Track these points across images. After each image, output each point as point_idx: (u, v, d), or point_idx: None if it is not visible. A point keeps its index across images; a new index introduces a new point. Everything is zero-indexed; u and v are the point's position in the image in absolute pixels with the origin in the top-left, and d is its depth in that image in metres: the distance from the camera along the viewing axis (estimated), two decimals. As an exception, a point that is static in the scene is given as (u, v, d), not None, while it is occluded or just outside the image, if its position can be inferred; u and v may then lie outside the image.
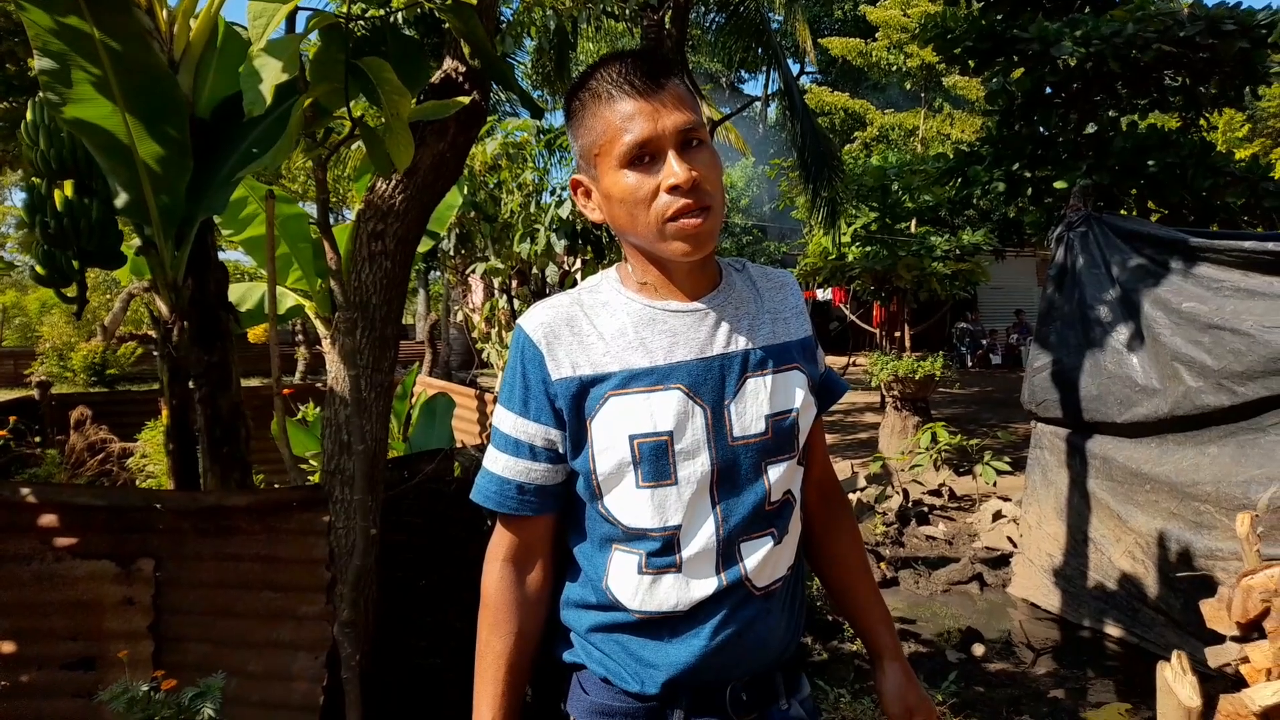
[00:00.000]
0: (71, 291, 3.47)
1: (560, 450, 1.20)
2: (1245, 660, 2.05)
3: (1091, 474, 4.02)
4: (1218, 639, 2.20)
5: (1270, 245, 3.36)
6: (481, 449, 4.26)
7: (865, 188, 12.18)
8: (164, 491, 2.93)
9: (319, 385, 6.21)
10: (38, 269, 3.33)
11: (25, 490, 2.59)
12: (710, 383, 1.18)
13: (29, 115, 3.24)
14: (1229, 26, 6.47)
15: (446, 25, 2.41)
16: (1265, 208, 7.49)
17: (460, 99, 2.03)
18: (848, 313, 17.69)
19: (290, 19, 2.07)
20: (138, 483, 4.50)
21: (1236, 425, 3.36)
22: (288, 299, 5.49)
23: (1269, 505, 2.96)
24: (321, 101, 2.16)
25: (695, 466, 1.16)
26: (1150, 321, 3.71)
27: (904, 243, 12.03)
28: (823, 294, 18.16)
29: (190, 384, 3.38)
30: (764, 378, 1.21)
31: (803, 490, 1.31)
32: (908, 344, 13.21)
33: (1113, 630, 3.89)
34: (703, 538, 1.17)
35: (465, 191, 8.73)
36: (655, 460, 1.15)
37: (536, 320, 1.20)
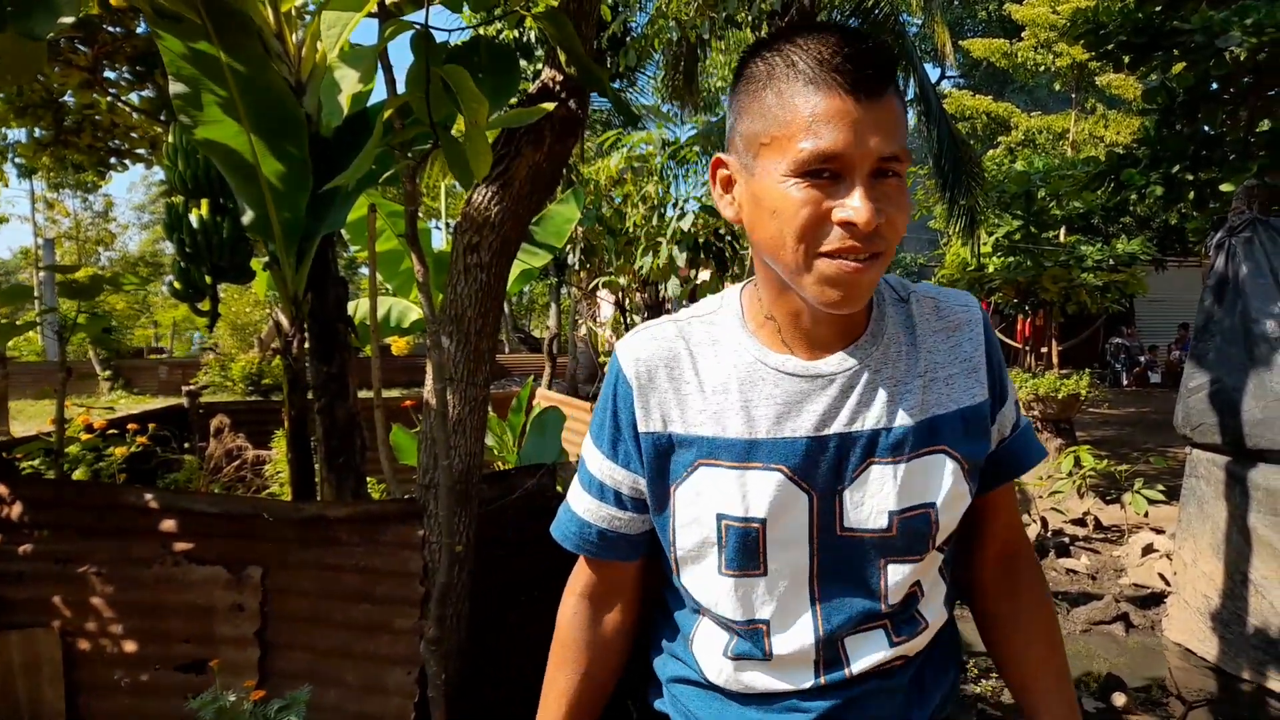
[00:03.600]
0: (205, 305, 3.67)
1: (648, 501, 1.05)
2: None
3: (1254, 508, 3.59)
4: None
5: None
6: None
7: (1008, 195, 11.57)
8: (270, 500, 3.03)
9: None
10: (175, 284, 3.53)
11: (149, 495, 2.72)
12: (823, 466, 0.96)
13: (169, 138, 3.44)
14: None
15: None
16: None
17: (545, 105, 1.99)
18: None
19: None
20: (270, 490, 4.72)
21: None
22: (412, 312, 5.67)
23: None
24: (415, 113, 2.18)
25: (791, 558, 0.98)
26: (1328, 338, 3.29)
27: (1050, 252, 11.34)
28: (962, 307, 17.34)
29: (309, 395, 3.50)
30: (894, 466, 0.96)
31: (978, 571, 1.13)
32: (1055, 361, 12.42)
33: (1275, 684, 3.46)
34: (797, 638, 1.01)
35: (589, 205, 8.82)
36: (743, 547, 0.97)
37: (634, 354, 1.02)
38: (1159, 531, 5.38)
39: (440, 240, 5.73)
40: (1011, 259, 11.30)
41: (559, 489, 3.41)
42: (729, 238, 8.21)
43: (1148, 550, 5.11)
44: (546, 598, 3.28)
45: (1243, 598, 3.64)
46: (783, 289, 0.96)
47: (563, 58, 2.42)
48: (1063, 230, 12.30)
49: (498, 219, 2.47)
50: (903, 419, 0.96)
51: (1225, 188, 6.60)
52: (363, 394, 3.72)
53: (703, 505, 0.98)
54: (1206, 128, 7.47)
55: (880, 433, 0.96)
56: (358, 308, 5.25)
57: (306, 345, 3.51)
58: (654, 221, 8.81)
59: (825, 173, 0.85)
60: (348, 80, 1.63)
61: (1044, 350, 13.08)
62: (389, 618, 2.59)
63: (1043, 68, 18.45)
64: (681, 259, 7.79)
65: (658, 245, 8.00)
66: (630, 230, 9.19)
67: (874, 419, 0.96)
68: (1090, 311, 12.40)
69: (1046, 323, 12.87)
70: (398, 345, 16.37)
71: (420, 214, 5.53)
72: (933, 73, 19.20)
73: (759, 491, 0.95)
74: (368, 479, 3.64)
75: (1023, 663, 1.10)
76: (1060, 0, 17.11)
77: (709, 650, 1.07)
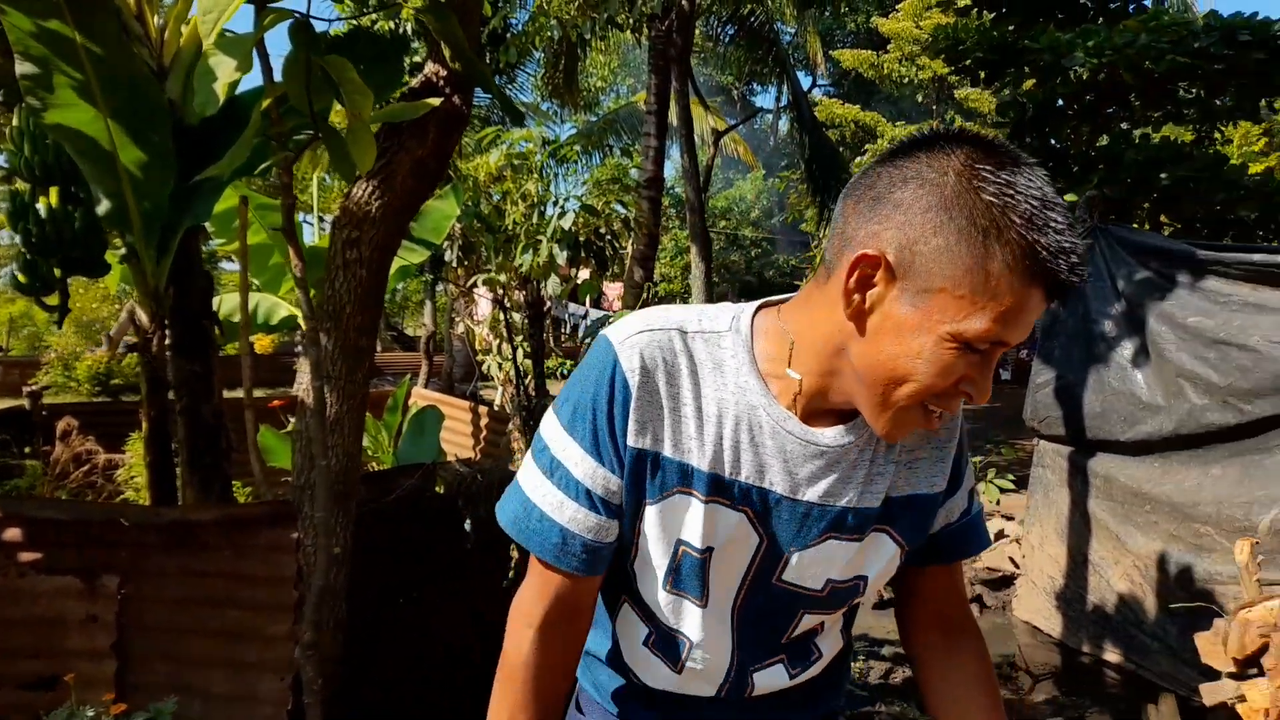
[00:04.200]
0: (53, 300, 3.43)
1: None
2: (1242, 699, 1.94)
3: (1093, 493, 3.91)
4: (1214, 674, 2.09)
5: None
6: (469, 464, 4.17)
7: (874, 201, 12.11)
8: (128, 506, 2.87)
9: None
10: (19, 277, 3.29)
11: (-10, 502, 2.53)
12: (788, 525, 0.96)
13: (15, 121, 3.20)
14: (1245, 38, 6.37)
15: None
16: (1280, 221, 7.37)
17: (430, 100, 1.97)
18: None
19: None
20: (124, 495, 4.45)
21: (1242, 444, 3.25)
22: (281, 309, 5.45)
23: (1270, 528, 2.85)
24: (292, 102, 2.11)
25: (724, 589, 1.00)
26: (1155, 336, 3.61)
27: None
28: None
29: (170, 395, 3.32)
30: (850, 544, 0.98)
31: (914, 639, 1.15)
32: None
33: (1111, 656, 3.77)
34: (714, 664, 1.05)
35: (468, 201, 8.69)
36: (692, 573, 0.99)
37: (636, 354, 0.93)
38: (1009, 518, 5.75)
39: (311, 235, 5.53)
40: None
41: (438, 489, 3.37)
42: (609, 237, 8.26)
43: (999, 535, 5.46)
44: (427, 601, 3.23)
45: (1083, 577, 3.95)
46: (832, 373, 0.91)
47: (446, 52, 2.39)
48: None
49: (379, 214, 2.42)
50: (870, 500, 0.97)
51: (1069, 198, 7.09)
52: (226, 394, 3.56)
53: (669, 530, 0.97)
54: (1054, 141, 8.02)
55: (849, 511, 0.96)
56: (221, 303, 5.01)
57: (168, 342, 3.33)
58: (534, 219, 8.76)
59: (974, 345, 0.82)
60: (224, 68, 1.56)
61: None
62: (260, 624, 2.49)
63: (907, 79, 19.36)
64: (562, 257, 7.79)
65: (538, 243, 7.97)
66: (510, 228, 9.11)
67: (848, 498, 0.96)
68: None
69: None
70: (262, 343, 15.66)
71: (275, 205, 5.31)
72: (804, 81, 19.86)
73: (720, 525, 0.96)
74: (233, 482, 3.49)
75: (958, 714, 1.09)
76: (923, 16, 18.01)
77: (629, 634, 1.11)
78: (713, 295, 9.22)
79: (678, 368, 0.94)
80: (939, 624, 1.13)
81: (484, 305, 18.46)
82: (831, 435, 0.94)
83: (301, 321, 5.08)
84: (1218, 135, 8.56)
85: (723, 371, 0.94)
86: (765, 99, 37.17)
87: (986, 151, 0.80)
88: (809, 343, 0.92)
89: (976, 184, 0.78)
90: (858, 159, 19.50)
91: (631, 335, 0.94)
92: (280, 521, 2.44)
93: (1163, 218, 7.72)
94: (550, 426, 0.98)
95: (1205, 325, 3.38)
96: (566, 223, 7.69)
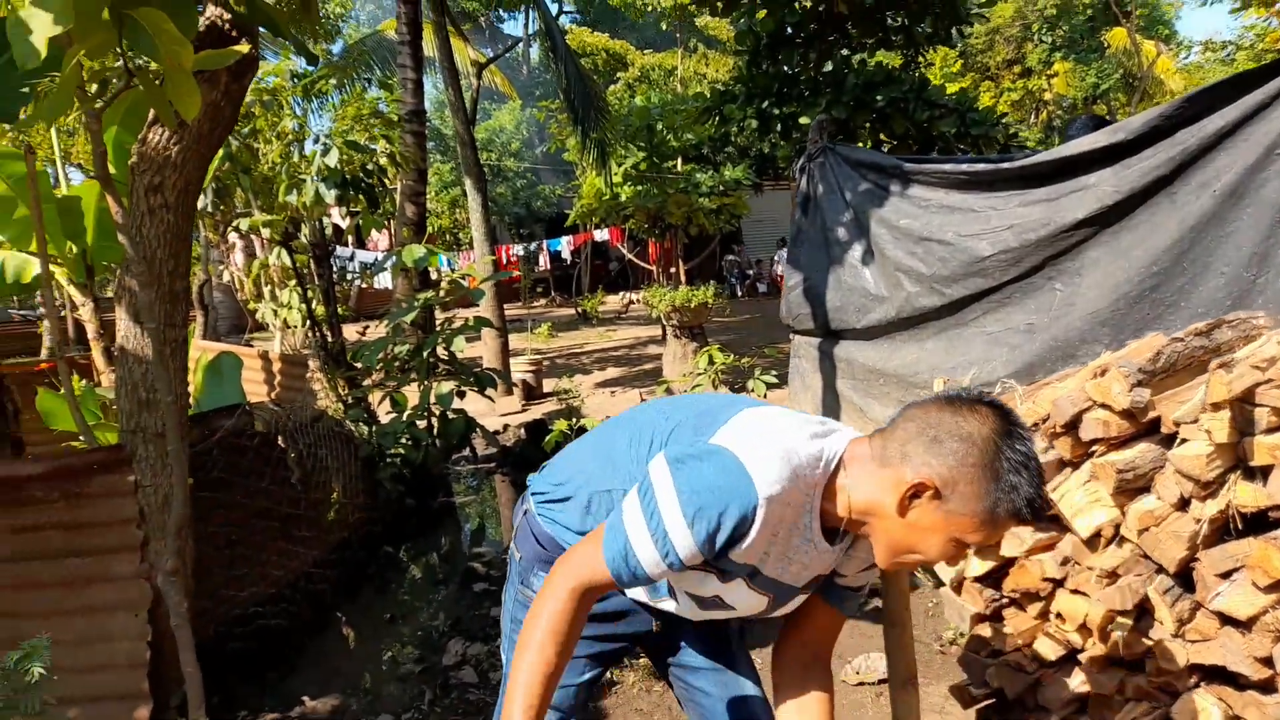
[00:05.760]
0: None
1: None
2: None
3: (839, 374, 4.63)
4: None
5: (964, 167, 3.99)
6: (278, 404, 4.22)
7: (632, 128, 12.57)
8: (-61, 470, 2.75)
9: (79, 358, 5.78)
10: None
11: None
12: (794, 598, 1.39)
13: None
14: (936, -29, 7.30)
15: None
16: (973, 135, 8.56)
17: (238, 48, 2.07)
18: (625, 251, 18.28)
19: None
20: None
21: (946, 321, 4.01)
22: (32, 266, 5.06)
23: (972, 384, 3.61)
24: (87, 54, 2.12)
25: (721, 614, 1.44)
26: (877, 238, 4.30)
27: (672, 180, 12.60)
28: (600, 234, 18.60)
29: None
30: (808, 595, 1.42)
31: (781, 650, 1.51)
32: (683, 278, 13.93)
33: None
34: (679, 608, 1.46)
35: (220, 143, 8.21)
36: (708, 603, 1.40)
37: (770, 497, 1.21)
38: (774, 408, 6.55)
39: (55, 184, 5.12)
40: (640, 187, 12.39)
41: (258, 428, 3.45)
42: (377, 173, 8.15)
43: (766, 424, 6.22)
44: (253, 538, 3.35)
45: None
46: (861, 522, 1.28)
47: (232, -3, 2.45)
48: (680, 160, 13.67)
49: (179, 159, 2.48)
50: (833, 576, 1.42)
51: (803, 120, 7.87)
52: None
53: (712, 587, 1.35)
54: (786, 67, 8.77)
55: (826, 579, 1.41)
56: (-35, 265, 4.60)
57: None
58: (294, 158, 8.46)
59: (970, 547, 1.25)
60: (39, 21, 1.61)
61: (673, 270, 14.59)
62: (105, 567, 2.56)
63: (650, 7, 19.92)
64: (330, 196, 7.61)
65: (302, 182, 7.72)
66: (268, 169, 8.73)
67: (826, 576, 1.40)
68: (709, 233, 14.04)
69: (674, 244, 14.34)
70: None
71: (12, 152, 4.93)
72: (552, 8, 19.89)
73: (746, 599, 1.37)
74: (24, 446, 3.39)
75: None
76: (663, -55, 18.52)
77: None
78: (489, 228, 9.34)
79: (795, 523, 1.27)
80: (799, 646, 1.50)
81: (238, 254, 17.31)
82: (844, 542, 1.35)
83: (60, 278, 4.80)
84: (921, 60, 9.71)
85: (797, 528, 1.28)
86: (512, 27, 36.63)
87: (1007, 422, 1.19)
88: (862, 501, 1.27)
89: (1004, 451, 1.17)
90: (611, 86, 19.96)
91: (777, 491, 1.21)
92: (115, 466, 2.50)
93: (881, 135, 8.72)
94: (671, 509, 1.22)
95: (913, 226, 4.09)
96: (331, 160, 7.51)
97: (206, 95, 2.50)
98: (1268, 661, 1.42)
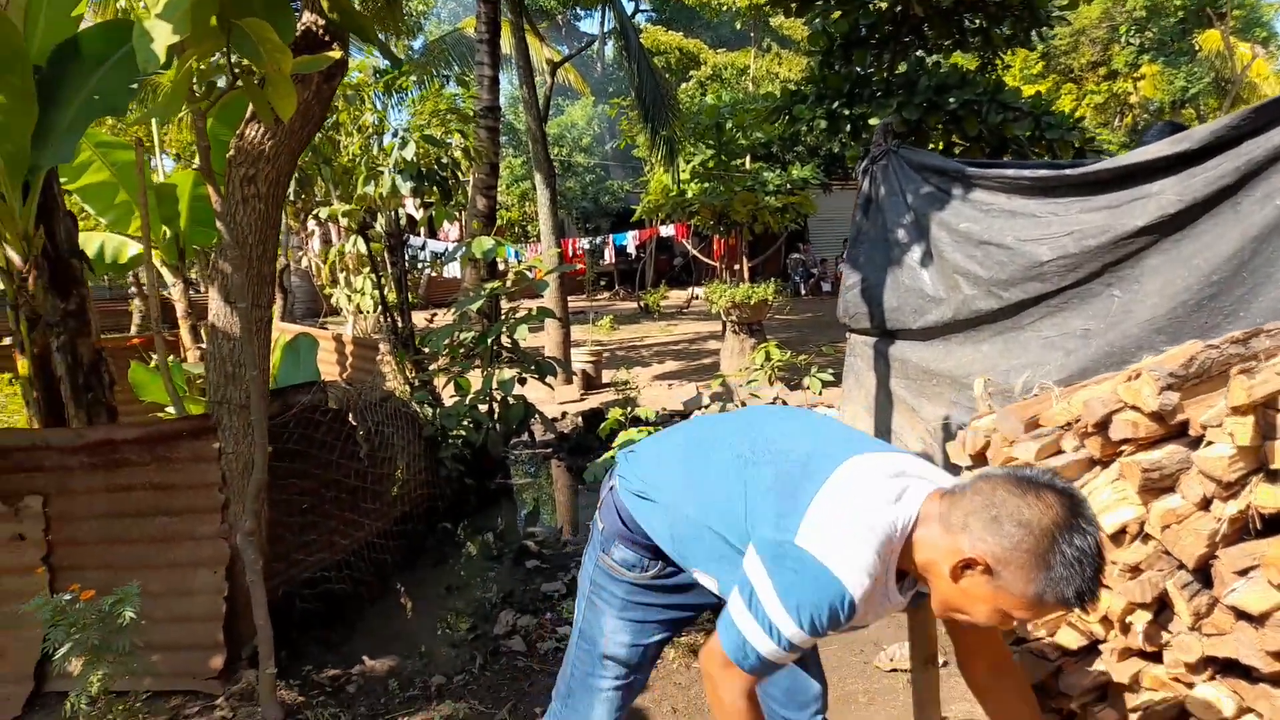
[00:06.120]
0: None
1: None
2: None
3: (893, 374, 4.66)
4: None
5: (1026, 172, 4.00)
6: (350, 384, 4.44)
7: (701, 126, 12.65)
8: (48, 430, 3.01)
9: (167, 335, 6.11)
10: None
11: (-100, 438, 2.65)
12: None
13: None
14: (1017, -25, 7.22)
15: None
16: (1047, 139, 8.43)
17: (331, 54, 2.24)
18: (689, 248, 18.36)
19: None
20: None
21: (1002, 324, 4.02)
22: (130, 247, 5.40)
23: (1023, 386, 3.63)
24: (198, 59, 2.32)
25: None
26: (936, 241, 4.32)
27: (739, 178, 12.64)
28: (666, 230, 18.72)
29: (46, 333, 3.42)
30: None
31: (966, 667, 1.60)
32: (746, 276, 13.96)
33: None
34: None
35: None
36: None
37: (863, 593, 1.30)
38: (830, 406, 6.58)
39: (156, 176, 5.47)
40: (707, 185, 12.46)
41: (331, 405, 3.66)
42: (451, 166, 8.39)
43: (822, 422, 6.26)
44: (323, 507, 3.55)
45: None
46: (922, 576, 1.37)
47: (324, 3, 2.63)
48: (748, 158, 13.69)
49: (272, 153, 2.67)
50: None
51: (873, 121, 7.86)
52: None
53: None
54: (859, 69, 8.75)
55: None
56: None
57: (40, 282, 3.42)
58: (373, 150, 8.76)
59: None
60: (160, 30, 1.79)
61: (737, 266, 14.63)
62: (190, 527, 2.78)
63: (725, 7, 19.94)
64: (405, 188, 7.87)
65: (379, 174, 8.01)
66: (347, 160, 9.06)
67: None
68: (774, 231, 14.03)
69: (738, 241, 14.38)
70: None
71: (120, 142, 5.25)
72: (628, 6, 20.08)
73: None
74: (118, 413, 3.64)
75: None
76: (739, -56, 18.51)
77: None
78: (556, 221, 9.54)
79: (877, 587, 1.34)
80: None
81: (315, 241, 17.89)
82: (915, 592, 1.44)
83: (156, 259, 5.12)
84: (998, 62, 9.57)
85: (877, 586, 1.35)
86: (588, 25, 36.96)
87: (1072, 514, 1.22)
88: (922, 559, 1.35)
89: (1060, 544, 1.21)
90: (683, 85, 20.04)
91: (867, 585, 1.31)
92: (202, 434, 2.71)
93: (954, 137, 8.64)
94: (777, 613, 1.33)
95: (973, 229, 4.10)
96: (409, 153, 7.76)
97: (300, 95, 2.68)
98: (1279, 655, 1.47)
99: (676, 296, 19.39)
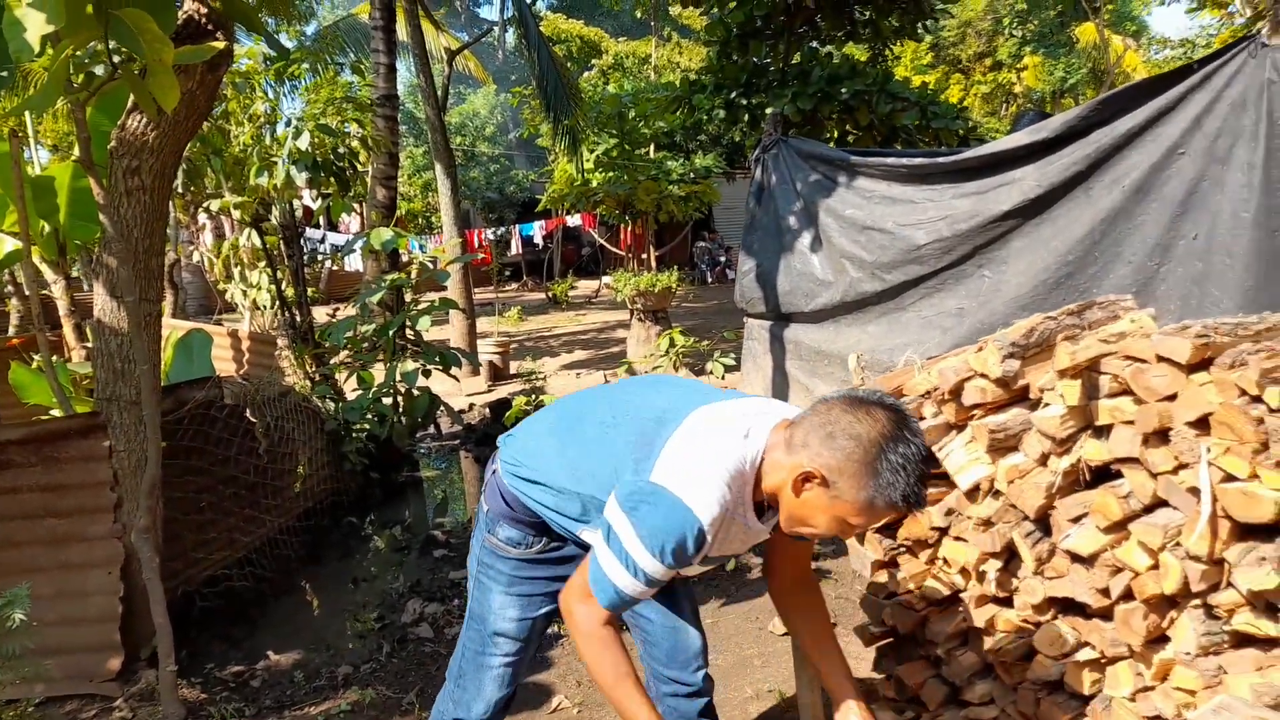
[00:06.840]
0: None
1: None
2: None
3: (788, 356, 4.86)
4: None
5: (904, 160, 4.22)
6: (247, 379, 4.38)
7: (604, 115, 12.71)
8: (-78, 435, 2.89)
9: (51, 335, 5.86)
10: None
11: None
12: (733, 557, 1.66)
13: None
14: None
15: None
16: (934, 128, 8.80)
17: (215, 44, 2.23)
18: (597, 237, 18.42)
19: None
20: None
21: (886, 306, 4.25)
22: (5, 244, 5.15)
23: (905, 363, 3.85)
24: (74, 48, 2.27)
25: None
26: (824, 227, 4.52)
27: (642, 167, 12.77)
28: (573, 220, 18.72)
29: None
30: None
31: (774, 579, 1.81)
32: (653, 264, 14.12)
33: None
34: None
35: (191, 125, 8.26)
36: None
37: (712, 519, 1.40)
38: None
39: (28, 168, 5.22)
40: (611, 174, 12.55)
41: (227, 400, 3.61)
42: (348, 157, 8.24)
43: (724, 405, 6.44)
44: (222, 504, 3.50)
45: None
46: (772, 495, 1.47)
47: (207, -9, 2.60)
48: (651, 147, 13.84)
49: (156, 144, 2.63)
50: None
51: (769, 110, 8.08)
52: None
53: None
54: (755, 59, 8.95)
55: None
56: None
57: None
58: (266, 140, 8.53)
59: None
60: (33, 20, 1.76)
61: (644, 255, 14.79)
62: (81, 527, 2.73)
63: (625, -5, 20.00)
64: (301, 178, 7.71)
65: (273, 165, 7.81)
66: (239, 151, 8.79)
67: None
68: (679, 219, 14.23)
69: (645, 230, 14.53)
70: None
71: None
72: (529, -7, 19.92)
73: (706, 567, 1.64)
74: None
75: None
76: (637, -67, 18.60)
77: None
78: (459, 212, 9.47)
79: (729, 519, 1.46)
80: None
81: (207, 235, 17.25)
82: (769, 516, 1.55)
83: (34, 256, 4.91)
84: (888, 53, 9.93)
85: (733, 516, 1.47)
86: (488, 11, 36.52)
87: (898, 426, 1.35)
88: (770, 484, 1.47)
89: (887, 452, 1.33)
90: (585, 74, 20.05)
91: (708, 508, 1.40)
92: (91, 432, 2.66)
93: (847, 126, 8.93)
94: (637, 550, 1.41)
95: (858, 215, 4.31)
96: (303, 143, 7.60)
97: (183, 85, 2.65)
98: (1105, 592, 1.66)
99: (585, 286, 19.44)
